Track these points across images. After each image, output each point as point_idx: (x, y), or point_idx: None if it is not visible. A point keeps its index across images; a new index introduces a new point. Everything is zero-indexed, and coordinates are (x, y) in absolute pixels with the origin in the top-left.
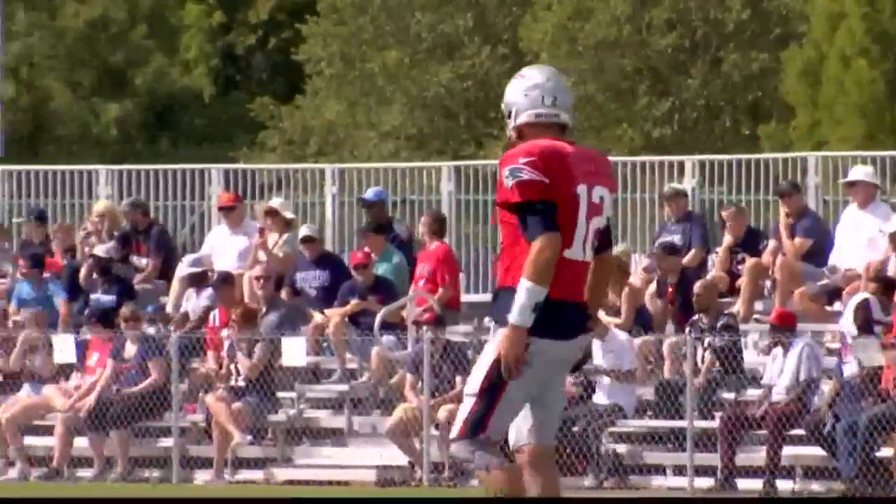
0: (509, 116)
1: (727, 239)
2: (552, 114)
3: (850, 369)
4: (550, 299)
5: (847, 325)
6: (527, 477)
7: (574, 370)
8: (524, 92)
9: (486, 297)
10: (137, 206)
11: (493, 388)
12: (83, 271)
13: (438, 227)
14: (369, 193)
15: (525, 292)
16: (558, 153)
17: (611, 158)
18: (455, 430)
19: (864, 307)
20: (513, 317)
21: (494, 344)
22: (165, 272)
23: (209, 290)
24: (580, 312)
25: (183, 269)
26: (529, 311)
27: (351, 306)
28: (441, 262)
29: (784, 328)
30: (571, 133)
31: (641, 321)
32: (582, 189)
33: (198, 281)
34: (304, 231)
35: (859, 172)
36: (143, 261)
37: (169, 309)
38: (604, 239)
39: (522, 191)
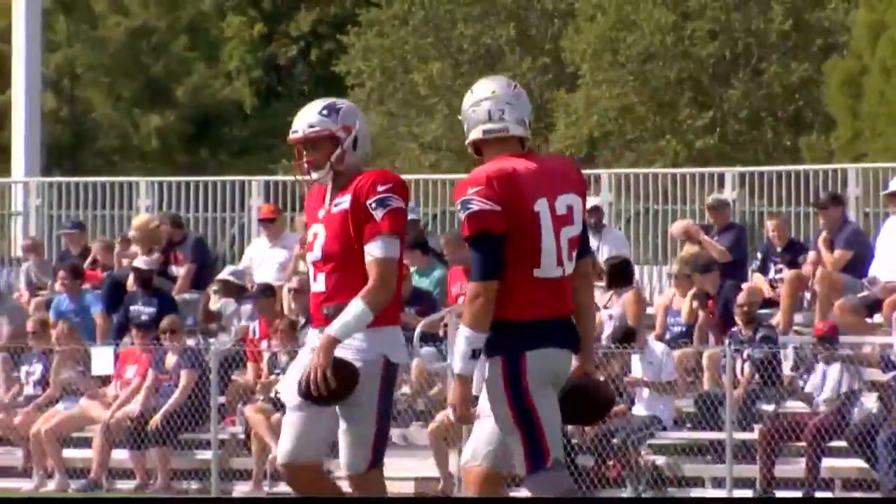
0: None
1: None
2: (500, 128)
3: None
4: (528, 321)
5: None
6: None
7: (596, 413)
8: (471, 107)
9: None
10: (168, 219)
11: (525, 415)
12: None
13: None
14: None
15: (463, 340)
16: (508, 174)
17: (653, 170)
18: (522, 468)
19: None
20: (455, 365)
21: (492, 375)
22: (202, 281)
23: (249, 307)
24: (568, 324)
25: (223, 274)
26: (468, 358)
27: None
28: None
29: (827, 340)
30: (529, 143)
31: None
32: (542, 204)
33: (235, 292)
34: None
35: None
36: (182, 270)
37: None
38: (581, 247)
39: (472, 223)
